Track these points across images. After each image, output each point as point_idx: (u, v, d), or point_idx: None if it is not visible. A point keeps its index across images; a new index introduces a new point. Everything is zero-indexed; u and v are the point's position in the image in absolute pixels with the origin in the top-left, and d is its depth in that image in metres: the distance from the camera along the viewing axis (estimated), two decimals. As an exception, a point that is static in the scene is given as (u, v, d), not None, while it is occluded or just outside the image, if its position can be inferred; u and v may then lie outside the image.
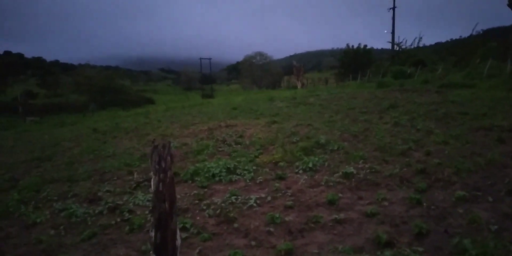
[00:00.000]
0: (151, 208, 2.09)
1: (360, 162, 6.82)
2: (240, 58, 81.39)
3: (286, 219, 4.69)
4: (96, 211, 5.43)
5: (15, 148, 14.23)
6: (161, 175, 2.24)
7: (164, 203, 2.27)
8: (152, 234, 2.21)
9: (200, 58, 75.17)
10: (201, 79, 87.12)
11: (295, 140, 8.92)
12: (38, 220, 5.35)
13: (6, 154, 12.45)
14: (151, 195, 5.93)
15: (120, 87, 51.74)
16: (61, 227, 5.08)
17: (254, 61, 73.86)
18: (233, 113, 16.59)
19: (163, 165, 2.23)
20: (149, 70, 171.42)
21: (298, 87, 34.48)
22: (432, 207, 4.74)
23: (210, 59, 75.64)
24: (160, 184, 2.27)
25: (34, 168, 9.62)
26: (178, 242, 2.39)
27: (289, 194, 5.60)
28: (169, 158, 2.28)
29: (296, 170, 6.73)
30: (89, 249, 4.38)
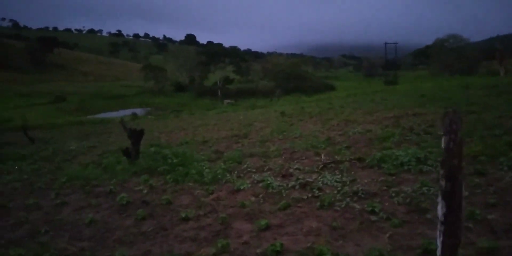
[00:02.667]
0: (441, 161, 2.48)
1: None
2: (429, 41, 74.86)
3: (488, 217, 4.27)
4: (289, 185, 5.95)
5: (218, 126, 16.46)
6: (452, 135, 2.64)
7: (453, 159, 2.65)
8: (443, 183, 2.66)
9: (385, 43, 72.24)
10: (384, 64, 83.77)
11: (498, 133, 7.88)
12: (241, 187, 6.18)
13: (212, 131, 14.54)
14: (338, 176, 6.20)
15: (304, 74, 53.89)
16: (260, 195, 5.76)
17: (446, 44, 66.84)
18: (420, 101, 15.56)
19: (454, 127, 2.63)
20: (331, 57, 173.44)
21: (501, 74, 29.85)
22: None
23: (396, 43, 71.96)
24: (451, 143, 2.64)
25: (234, 143, 11.01)
26: (464, 193, 2.86)
27: (491, 191, 5.05)
28: (459, 121, 2.62)
29: (500, 167, 5.98)
30: (284, 218, 4.86)
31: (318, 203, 5.12)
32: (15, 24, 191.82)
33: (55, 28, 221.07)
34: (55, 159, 11.07)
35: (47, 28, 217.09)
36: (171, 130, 16.73)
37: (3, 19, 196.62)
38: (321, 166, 6.98)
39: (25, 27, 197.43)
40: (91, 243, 4.79)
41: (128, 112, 36.47)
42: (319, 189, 5.66)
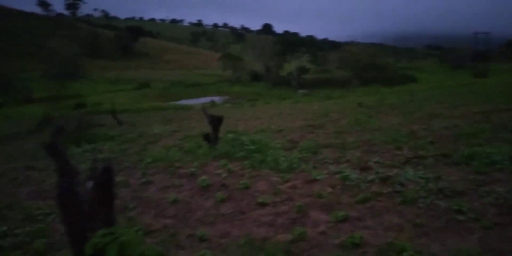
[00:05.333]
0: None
1: None
2: (529, 31, 67.82)
3: None
4: (368, 179, 5.79)
5: (292, 115, 16.48)
6: None
7: None
8: None
9: (475, 33, 66.92)
10: (473, 56, 77.65)
11: None
12: (318, 178, 6.14)
13: (286, 121, 14.59)
14: (422, 172, 5.90)
15: (384, 64, 51.73)
16: (337, 187, 5.68)
17: (549, 34, 60.10)
18: (515, 96, 14.25)
19: None
20: (413, 47, 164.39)
21: None
22: None
23: (487, 33, 66.34)
24: None
25: (308, 133, 10.94)
26: None
27: None
28: None
29: None
30: (363, 211, 4.75)
31: (400, 199, 4.92)
32: (105, 14, 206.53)
33: (140, 18, 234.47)
34: (140, 141, 11.87)
35: (133, 18, 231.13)
36: (247, 118, 17.07)
37: (95, 9, 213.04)
38: (403, 160, 6.70)
39: (114, 17, 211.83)
40: (174, 221, 5.08)
41: (206, 99, 37.81)
42: (401, 184, 5.43)
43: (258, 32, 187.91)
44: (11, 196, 6.82)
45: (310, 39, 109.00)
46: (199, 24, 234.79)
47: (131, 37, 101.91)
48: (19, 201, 6.44)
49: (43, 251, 4.39)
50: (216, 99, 38.52)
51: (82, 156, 9.88)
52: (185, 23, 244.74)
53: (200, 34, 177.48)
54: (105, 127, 17.53)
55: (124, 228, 2.37)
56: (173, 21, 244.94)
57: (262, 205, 5.28)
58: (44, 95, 34.20)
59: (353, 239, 3.88)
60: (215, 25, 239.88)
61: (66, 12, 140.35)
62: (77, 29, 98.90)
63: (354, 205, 4.96)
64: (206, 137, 9.05)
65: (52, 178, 7.75)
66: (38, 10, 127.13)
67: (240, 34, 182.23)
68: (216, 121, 9.19)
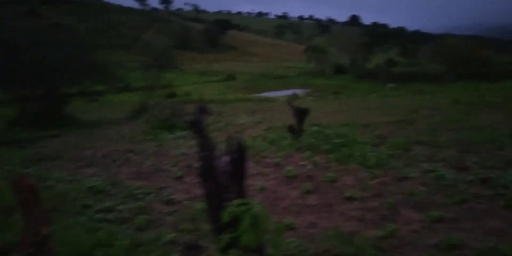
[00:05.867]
0: None
1: None
2: None
3: None
4: (466, 179, 5.43)
5: (379, 110, 15.87)
6: None
7: None
8: None
9: None
10: None
11: None
12: (409, 175, 5.89)
13: (373, 115, 14.10)
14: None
15: (483, 58, 47.42)
16: (431, 186, 5.40)
17: None
18: None
19: None
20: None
21: None
22: None
23: None
24: None
25: (398, 129, 10.48)
26: None
27: None
28: None
29: None
30: (460, 212, 4.48)
31: (503, 202, 4.56)
32: (195, 8, 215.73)
33: (228, 12, 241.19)
34: (227, 130, 12.31)
35: (221, 11, 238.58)
36: (330, 111, 16.80)
37: (186, 4, 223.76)
38: (506, 161, 6.15)
39: (203, 10, 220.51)
40: (262, 208, 5.23)
41: (289, 92, 37.84)
42: (504, 186, 5.02)
43: (345, 23, 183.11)
44: (114, 176, 7.51)
45: (400, 31, 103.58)
46: (284, 16, 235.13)
47: (219, 30, 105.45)
48: (121, 180, 7.07)
49: (144, 227, 4.78)
50: (299, 91, 38.39)
51: (175, 142, 10.54)
52: (271, 16, 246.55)
53: (285, 26, 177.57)
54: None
55: (254, 201, 2.57)
56: (259, 14, 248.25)
57: (350, 199, 5.22)
58: (140, 84, 36.75)
59: (450, 240, 3.69)
60: (301, 17, 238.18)
61: (160, 7, 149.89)
62: (170, 23, 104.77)
63: (450, 206, 4.69)
64: (291, 128, 9.12)
65: (149, 161, 8.42)
66: (135, 5, 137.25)
67: (326, 26, 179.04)
68: (301, 113, 9.20)
